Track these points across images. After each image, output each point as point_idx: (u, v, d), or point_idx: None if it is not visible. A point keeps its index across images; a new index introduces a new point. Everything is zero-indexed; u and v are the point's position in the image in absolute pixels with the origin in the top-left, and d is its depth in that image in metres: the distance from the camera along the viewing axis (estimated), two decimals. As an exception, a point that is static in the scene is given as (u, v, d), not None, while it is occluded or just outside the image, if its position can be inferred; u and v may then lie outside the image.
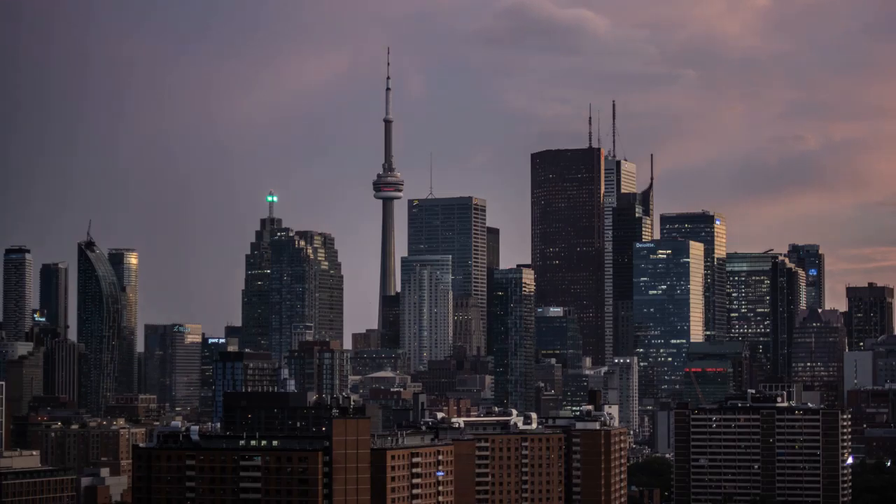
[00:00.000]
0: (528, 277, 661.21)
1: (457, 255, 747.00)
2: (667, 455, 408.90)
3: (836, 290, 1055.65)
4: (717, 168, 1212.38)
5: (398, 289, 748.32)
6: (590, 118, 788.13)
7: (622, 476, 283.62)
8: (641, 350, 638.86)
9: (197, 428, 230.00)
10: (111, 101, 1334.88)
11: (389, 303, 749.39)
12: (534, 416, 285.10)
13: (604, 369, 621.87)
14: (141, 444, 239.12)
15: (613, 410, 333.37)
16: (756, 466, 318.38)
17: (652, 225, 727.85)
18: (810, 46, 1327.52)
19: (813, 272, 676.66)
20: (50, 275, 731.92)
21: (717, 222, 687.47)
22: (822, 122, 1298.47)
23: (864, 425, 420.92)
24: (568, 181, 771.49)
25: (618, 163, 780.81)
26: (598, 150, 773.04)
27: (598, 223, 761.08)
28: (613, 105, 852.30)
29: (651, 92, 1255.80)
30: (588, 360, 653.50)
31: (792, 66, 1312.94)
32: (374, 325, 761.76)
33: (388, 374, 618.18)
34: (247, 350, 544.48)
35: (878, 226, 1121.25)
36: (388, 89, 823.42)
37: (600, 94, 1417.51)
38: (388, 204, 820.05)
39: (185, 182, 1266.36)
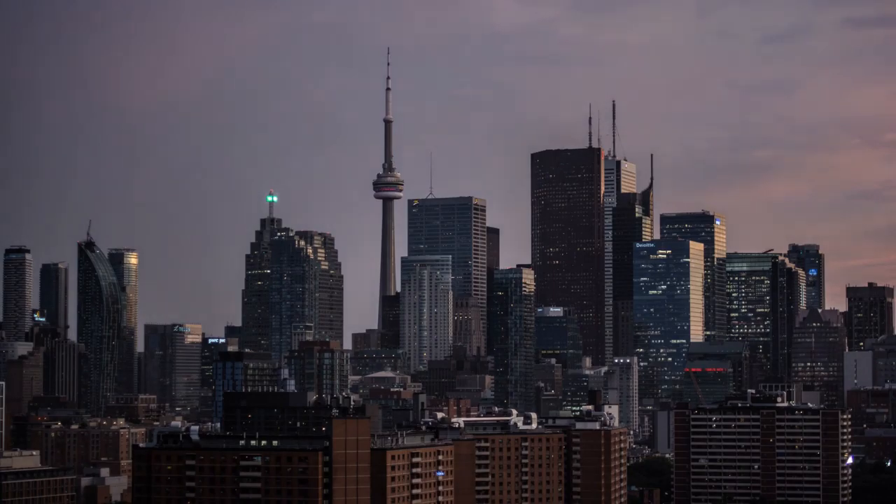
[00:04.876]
0: (528, 277, 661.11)
1: (457, 255, 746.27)
2: (667, 455, 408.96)
3: (835, 291, 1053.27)
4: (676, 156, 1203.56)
5: (398, 289, 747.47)
6: (590, 118, 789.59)
7: (622, 476, 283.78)
8: (641, 350, 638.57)
9: (197, 428, 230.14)
10: (111, 101, 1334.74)
11: (389, 303, 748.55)
12: (534, 416, 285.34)
13: (604, 369, 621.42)
14: (141, 444, 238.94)
15: (613, 410, 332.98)
16: (756, 466, 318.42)
17: (652, 225, 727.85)
18: (753, 23, 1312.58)
19: (813, 272, 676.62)
20: (50, 275, 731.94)
21: (717, 222, 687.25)
22: (779, 109, 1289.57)
23: (864, 425, 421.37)
24: (568, 181, 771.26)
25: (618, 163, 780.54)
26: (598, 150, 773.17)
27: (598, 223, 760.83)
28: (613, 105, 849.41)
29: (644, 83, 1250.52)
30: (588, 360, 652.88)
31: (739, 46, 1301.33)
32: (374, 325, 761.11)
33: (388, 374, 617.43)
34: (247, 350, 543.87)
35: (873, 222, 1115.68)
36: (388, 89, 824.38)
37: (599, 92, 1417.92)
38: (388, 204, 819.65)
39: (185, 182, 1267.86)
